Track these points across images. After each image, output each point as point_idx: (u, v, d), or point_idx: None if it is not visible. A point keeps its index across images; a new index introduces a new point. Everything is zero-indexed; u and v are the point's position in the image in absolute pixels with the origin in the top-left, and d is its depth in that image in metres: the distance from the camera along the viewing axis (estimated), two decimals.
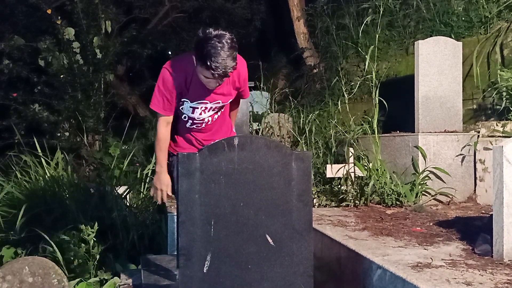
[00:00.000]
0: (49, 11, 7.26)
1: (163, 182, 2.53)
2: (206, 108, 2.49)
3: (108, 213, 4.16)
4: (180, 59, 2.49)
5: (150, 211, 4.48)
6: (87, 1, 7.40)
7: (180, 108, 2.49)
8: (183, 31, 9.79)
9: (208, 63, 2.14)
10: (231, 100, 2.60)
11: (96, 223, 3.58)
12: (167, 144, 2.54)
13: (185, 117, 2.54)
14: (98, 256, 3.59)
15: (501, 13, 5.34)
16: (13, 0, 8.42)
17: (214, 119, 2.60)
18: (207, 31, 2.18)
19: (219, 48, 2.13)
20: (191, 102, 2.45)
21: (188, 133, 2.62)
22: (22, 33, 7.80)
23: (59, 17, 7.29)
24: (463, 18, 5.74)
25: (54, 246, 3.56)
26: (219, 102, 2.51)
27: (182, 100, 2.44)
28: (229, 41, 2.16)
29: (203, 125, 2.59)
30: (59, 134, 7.26)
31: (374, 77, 4.87)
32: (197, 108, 2.47)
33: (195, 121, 2.55)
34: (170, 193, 2.52)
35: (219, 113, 2.61)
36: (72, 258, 3.55)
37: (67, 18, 7.43)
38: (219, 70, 2.17)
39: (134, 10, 10.02)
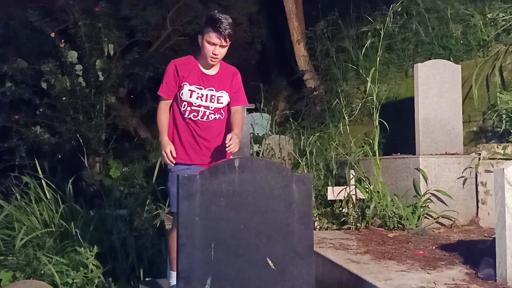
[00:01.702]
0: (52, 34, 7.36)
1: (166, 145, 2.86)
2: (202, 94, 2.92)
3: (107, 236, 4.13)
4: (182, 57, 3.06)
5: (150, 234, 4.44)
6: (90, 24, 7.51)
7: (180, 94, 2.91)
8: (184, 54, 9.88)
9: (217, 25, 2.79)
10: (226, 99, 2.98)
11: (96, 247, 3.55)
12: (167, 119, 2.98)
13: (184, 106, 2.93)
14: (96, 280, 3.54)
15: (499, 36, 5.40)
16: (17, 23, 8.55)
17: (210, 118, 2.96)
18: (215, 12, 2.92)
19: (223, 19, 2.83)
20: (190, 85, 2.91)
21: (188, 128, 2.96)
22: (25, 56, 7.89)
23: (63, 40, 7.38)
24: (461, 42, 5.80)
25: (53, 269, 3.52)
26: (212, 90, 2.94)
27: (183, 83, 2.91)
28: (229, 19, 2.87)
29: (200, 116, 2.94)
30: (60, 156, 7.26)
31: (375, 99, 4.89)
32: (194, 91, 2.92)
33: (193, 108, 2.92)
34: (174, 154, 2.86)
35: (216, 116, 2.99)
36: (70, 282, 3.51)
37: (71, 41, 7.53)
38: (224, 31, 2.79)
39: (137, 34, 10.16)
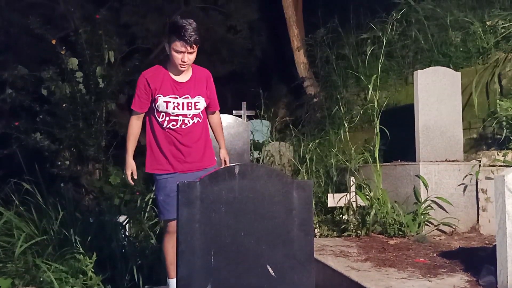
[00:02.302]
0: (53, 42, 7.37)
1: (128, 166, 3.05)
2: (178, 104, 2.92)
3: (107, 242, 4.11)
4: (152, 67, 3.01)
5: (150, 241, 4.43)
6: (91, 32, 7.52)
7: (156, 106, 2.92)
8: None
9: (182, 33, 2.76)
10: (203, 104, 3.01)
11: (95, 254, 3.53)
12: (136, 137, 3.09)
13: (162, 116, 2.93)
14: None
15: (499, 43, 5.42)
16: (18, 30, 8.57)
17: (190, 124, 2.98)
18: (178, 18, 2.89)
19: (187, 25, 2.80)
20: (164, 96, 2.90)
21: (168, 137, 2.97)
22: (26, 62, 7.90)
23: (63, 47, 7.39)
24: (461, 49, 5.82)
25: (52, 276, 3.50)
26: (188, 97, 2.93)
27: (157, 96, 2.90)
28: (193, 23, 2.84)
29: (179, 125, 2.95)
30: (59, 163, 7.25)
31: (376, 106, 4.89)
32: (170, 102, 2.91)
33: (171, 118, 2.93)
34: (135, 176, 3.09)
35: (195, 120, 3.00)
36: None
37: (71, 48, 7.54)
38: (190, 38, 2.76)
39: (137, 41, 10.19)
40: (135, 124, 3.04)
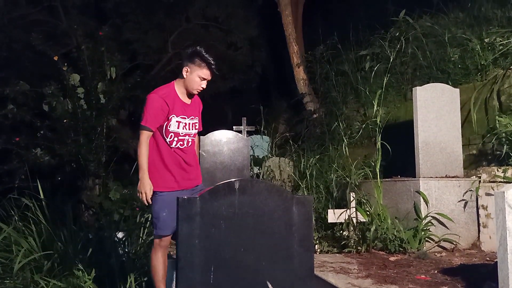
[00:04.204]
0: (56, 58, 7.43)
1: (146, 185, 2.97)
2: (186, 124, 3.08)
3: (106, 259, 4.09)
4: (161, 87, 3.11)
5: (149, 257, 4.40)
6: (93, 48, 7.59)
7: (168, 126, 3.02)
8: None
9: (209, 62, 3.03)
10: (199, 124, 3.21)
11: (94, 270, 3.51)
12: (147, 155, 3.03)
13: (171, 136, 3.04)
14: None
15: (497, 60, 5.46)
16: (20, 46, 8.65)
17: (190, 143, 3.14)
18: (199, 48, 3.08)
19: (210, 57, 3.06)
20: (177, 116, 3.04)
21: (174, 156, 3.06)
22: (28, 78, 7.95)
23: (65, 64, 7.45)
24: (459, 66, 5.86)
25: None
26: (193, 118, 3.13)
27: (171, 116, 3.02)
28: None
29: (185, 144, 3.09)
30: (59, 178, 7.24)
31: (378, 121, 4.91)
32: (181, 122, 3.06)
33: (179, 138, 3.06)
34: (150, 195, 3.00)
35: (193, 138, 3.18)
36: None
37: (73, 64, 7.60)
38: (214, 69, 3.05)
39: (138, 57, 10.27)
40: (146, 143, 3.05)
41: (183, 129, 3.06)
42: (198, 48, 3.11)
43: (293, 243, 2.11)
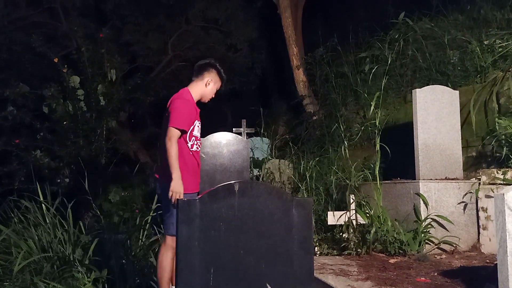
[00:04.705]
0: (56, 60, 7.44)
1: (182, 186, 3.02)
2: (199, 128, 3.26)
3: (106, 261, 4.08)
4: (186, 93, 3.27)
5: (149, 259, 4.39)
6: (93, 50, 7.60)
7: (192, 131, 3.18)
8: (185, 79, 9.99)
9: (224, 76, 3.40)
10: None
11: (93, 272, 3.50)
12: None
13: (192, 140, 3.19)
14: None
15: (496, 62, 5.47)
16: (20, 48, 8.66)
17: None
18: (216, 61, 3.42)
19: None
20: (198, 121, 3.24)
21: (192, 159, 3.19)
22: (28, 80, 7.96)
23: (66, 66, 7.46)
24: (459, 68, 5.87)
25: None
26: (200, 123, 3.29)
27: (195, 121, 3.19)
28: None
29: (199, 148, 3.26)
30: (59, 180, 7.24)
31: (378, 123, 4.91)
32: (199, 126, 3.26)
33: (197, 140, 3.24)
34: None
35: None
36: None
37: (73, 66, 7.61)
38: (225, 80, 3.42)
39: (138, 59, 10.28)
40: (176, 144, 3.10)
41: (197, 132, 3.25)
42: (216, 61, 3.41)
43: (293, 245, 2.11)
